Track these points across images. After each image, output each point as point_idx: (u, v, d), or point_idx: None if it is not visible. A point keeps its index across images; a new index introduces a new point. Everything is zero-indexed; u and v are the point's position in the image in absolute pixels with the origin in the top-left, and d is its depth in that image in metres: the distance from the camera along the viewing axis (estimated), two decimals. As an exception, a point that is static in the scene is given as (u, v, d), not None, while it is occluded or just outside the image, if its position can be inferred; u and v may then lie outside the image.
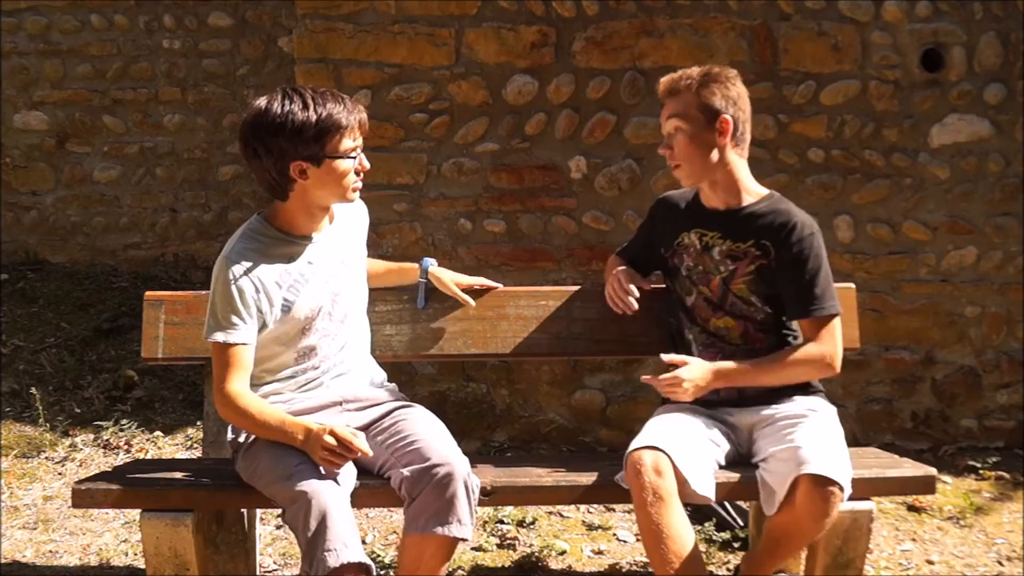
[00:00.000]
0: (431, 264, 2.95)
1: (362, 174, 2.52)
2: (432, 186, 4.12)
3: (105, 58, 5.84)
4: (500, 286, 3.00)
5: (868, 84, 4.09)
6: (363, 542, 3.36)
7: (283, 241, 2.53)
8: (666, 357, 2.57)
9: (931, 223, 4.17)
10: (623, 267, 2.86)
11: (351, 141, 2.45)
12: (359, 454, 2.31)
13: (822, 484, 2.32)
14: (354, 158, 2.47)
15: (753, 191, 2.68)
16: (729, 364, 2.56)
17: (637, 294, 2.75)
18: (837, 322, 2.60)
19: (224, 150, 5.88)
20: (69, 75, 5.86)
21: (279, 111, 2.38)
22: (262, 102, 2.42)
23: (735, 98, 2.60)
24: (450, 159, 4.11)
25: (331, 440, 2.29)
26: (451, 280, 2.93)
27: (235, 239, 2.52)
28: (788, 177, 4.03)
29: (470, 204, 4.13)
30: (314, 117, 2.38)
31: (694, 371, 2.53)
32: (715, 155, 2.61)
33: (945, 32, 4.10)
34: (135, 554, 3.29)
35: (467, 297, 2.93)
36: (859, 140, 4.12)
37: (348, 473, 2.40)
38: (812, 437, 2.42)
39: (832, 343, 2.58)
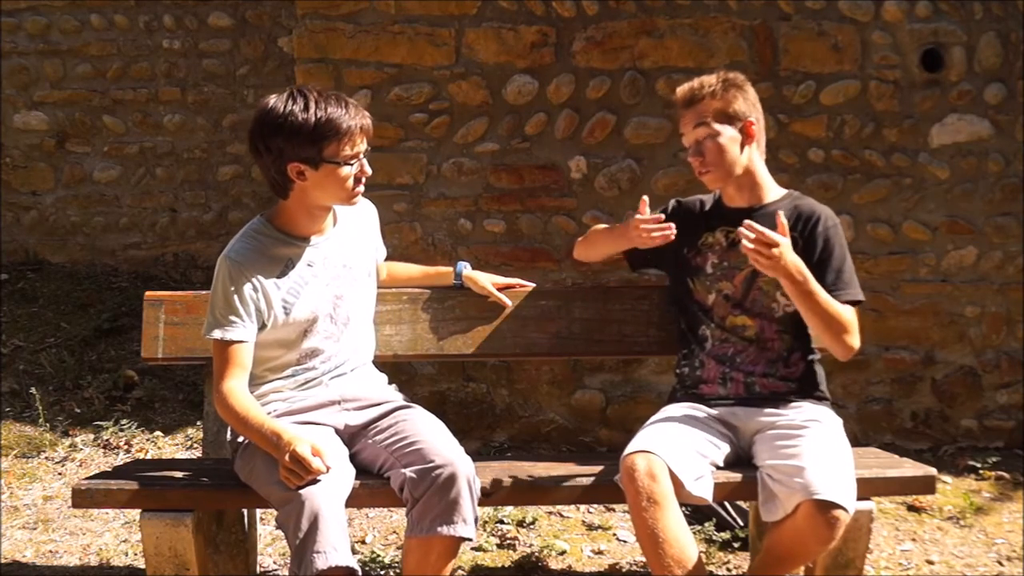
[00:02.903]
0: (465, 267, 2.97)
1: (363, 179, 2.51)
2: (432, 186, 4.12)
3: (105, 58, 5.84)
4: (533, 285, 3.01)
5: (868, 84, 4.10)
6: (363, 542, 3.39)
7: (283, 242, 2.53)
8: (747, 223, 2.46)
9: (931, 223, 4.17)
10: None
11: (350, 148, 2.44)
12: (315, 474, 2.27)
13: (827, 508, 2.32)
14: (352, 164, 2.46)
15: (774, 190, 2.74)
16: (803, 269, 2.48)
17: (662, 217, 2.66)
18: (856, 310, 2.64)
19: (224, 150, 5.88)
20: (69, 75, 5.86)
21: (281, 110, 2.39)
22: (270, 100, 2.43)
23: (754, 101, 2.68)
24: (450, 159, 4.11)
25: (290, 461, 2.27)
26: (487, 281, 2.94)
27: (236, 238, 2.53)
28: (788, 177, 4.02)
29: (470, 204, 4.13)
30: (312, 120, 2.38)
31: (788, 249, 2.46)
32: (743, 158, 2.67)
33: (945, 32, 4.10)
34: (135, 554, 3.29)
35: (504, 297, 2.94)
36: (859, 140, 4.12)
37: (346, 475, 2.40)
38: (815, 456, 2.41)
39: (855, 327, 2.60)
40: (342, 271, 2.60)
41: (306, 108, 2.38)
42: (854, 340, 2.58)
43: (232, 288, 2.44)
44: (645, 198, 2.69)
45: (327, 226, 2.59)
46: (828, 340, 2.60)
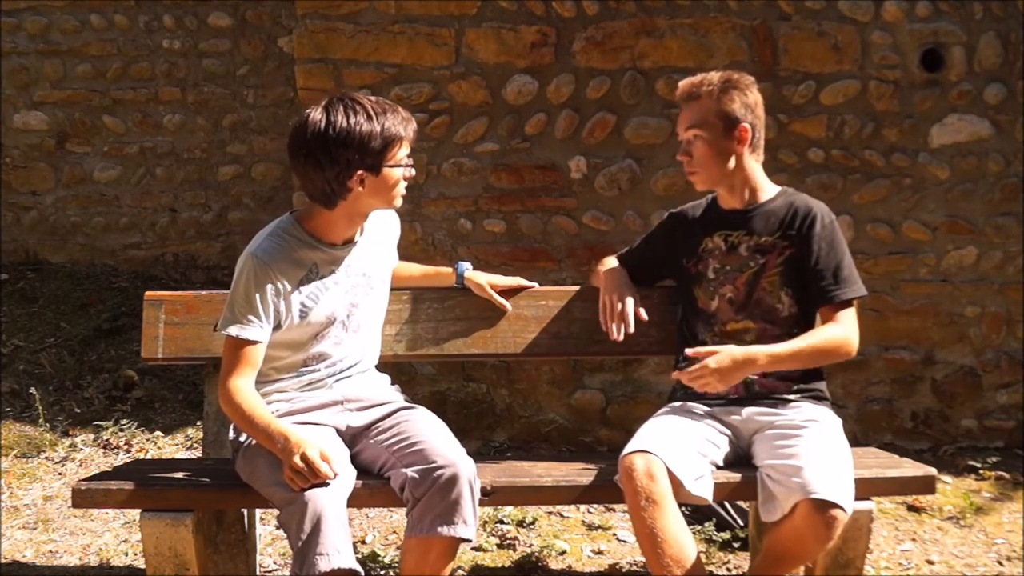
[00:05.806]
0: (466, 268, 2.96)
1: (408, 181, 2.54)
2: (432, 186, 4.12)
3: (105, 58, 5.84)
4: (536, 285, 3.00)
5: (868, 84, 4.10)
6: (363, 542, 3.39)
7: (311, 246, 2.53)
8: (691, 351, 2.54)
9: (931, 223, 4.17)
10: (624, 285, 2.82)
11: (406, 151, 2.50)
12: (323, 478, 2.27)
13: (825, 508, 2.32)
14: (408, 166, 2.51)
15: (769, 188, 2.73)
16: (755, 352, 2.52)
17: (632, 328, 2.72)
18: (855, 306, 2.63)
19: (224, 150, 5.88)
20: (69, 75, 5.85)
21: (345, 123, 2.40)
22: (319, 113, 2.43)
23: (753, 105, 2.65)
24: (450, 159, 4.11)
25: (299, 463, 2.27)
26: (487, 282, 2.94)
27: (264, 236, 2.53)
28: (788, 177, 4.02)
29: (470, 204, 4.13)
30: (379, 128, 2.42)
31: (721, 359, 2.49)
32: (732, 162, 2.66)
33: (945, 32, 4.10)
34: (135, 554, 3.29)
35: (503, 300, 2.93)
36: (859, 140, 4.12)
37: (348, 476, 2.40)
38: (814, 455, 2.41)
39: (854, 326, 2.60)
40: (361, 279, 2.60)
41: (370, 118, 2.42)
42: (850, 348, 2.59)
43: (255, 287, 2.44)
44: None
45: (356, 234, 2.60)
46: (827, 363, 2.64)
